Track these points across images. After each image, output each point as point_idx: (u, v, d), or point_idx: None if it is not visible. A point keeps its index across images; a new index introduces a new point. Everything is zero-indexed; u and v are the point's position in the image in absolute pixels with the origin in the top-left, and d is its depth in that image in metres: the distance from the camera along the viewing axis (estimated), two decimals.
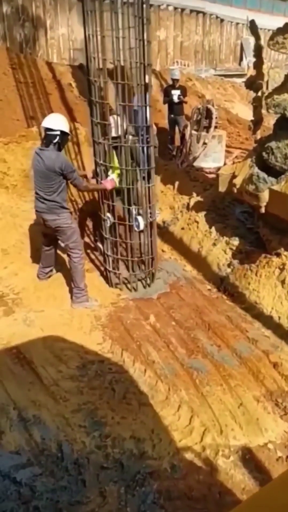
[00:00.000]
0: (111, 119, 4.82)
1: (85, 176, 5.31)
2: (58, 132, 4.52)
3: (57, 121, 4.58)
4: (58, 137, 4.52)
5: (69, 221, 4.75)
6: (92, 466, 3.01)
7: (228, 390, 3.81)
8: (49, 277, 5.23)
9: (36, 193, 4.69)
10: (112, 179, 4.92)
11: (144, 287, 5.33)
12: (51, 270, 5.24)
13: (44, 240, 5.07)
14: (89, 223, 6.78)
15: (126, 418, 3.43)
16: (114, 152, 4.99)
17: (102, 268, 5.59)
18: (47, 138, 4.57)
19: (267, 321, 4.78)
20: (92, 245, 6.25)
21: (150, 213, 5.19)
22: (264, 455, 3.27)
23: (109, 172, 4.99)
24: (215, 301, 5.18)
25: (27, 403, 3.45)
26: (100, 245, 5.97)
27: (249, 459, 3.23)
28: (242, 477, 3.08)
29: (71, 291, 4.93)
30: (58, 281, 5.20)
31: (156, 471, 3.03)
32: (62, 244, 4.89)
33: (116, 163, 5.03)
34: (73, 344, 4.14)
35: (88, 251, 6.14)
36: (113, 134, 4.85)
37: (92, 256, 6.01)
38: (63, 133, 4.57)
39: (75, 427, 3.31)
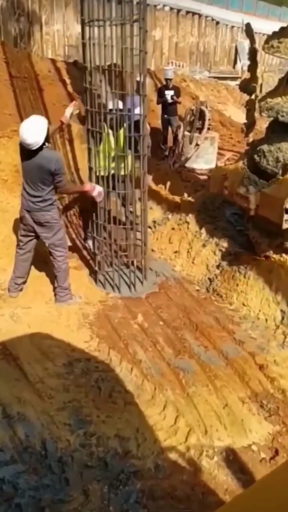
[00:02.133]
0: (109, 93, 4.80)
1: (61, 123, 5.25)
2: (39, 145, 4.34)
3: (33, 136, 4.28)
4: (41, 148, 4.36)
5: (57, 217, 4.69)
6: (75, 465, 3.00)
7: (213, 391, 3.82)
8: (20, 290, 4.88)
9: (25, 189, 4.59)
10: (94, 187, 4.89)
11: (130, 286, 5.30)
12: (24, 282, 4.91)
13: (21, 242, 4.81)
14: (78, 221, 6.77)
15: (111, 416, 3.43)
16: (110, 132, 4.92)
17: (91, 266, 5.56)
18: (32, 151, 4.38)
19: (254, 323, 4.81)
20: (81, 243, 6.22)
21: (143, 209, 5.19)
22: (247, 457, 3.28)
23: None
24: (203, 301, 5.19)
25: (12, 400, 3.43)
26: (89, 243, 5.96)
27: (233, 460, 3.24)
28: (225, 478, 3.09)
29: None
30: (46, 278, 5.17)
31: (140, 470, 3.02)
32: (47, 243, 4.75)
33: (111, 144, 4.98)
34: (60, 342, 4.12)
35: (77, 248, 6.12)
36: (110, 106, 4.82)
37: (81, 254, 5.98)
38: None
39: (59, 425, 3.29)
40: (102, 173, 5.09)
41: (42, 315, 4.48)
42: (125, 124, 4.83)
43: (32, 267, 5.14)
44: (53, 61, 14.00)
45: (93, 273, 5.46)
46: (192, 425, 3.46)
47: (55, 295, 4.86)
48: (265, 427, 3.57)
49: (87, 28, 4.62)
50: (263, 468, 3.19)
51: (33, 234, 4.73)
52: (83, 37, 4.70)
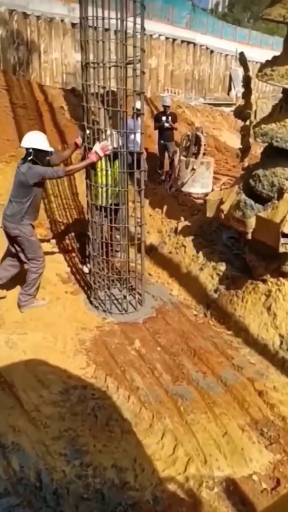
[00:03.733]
0: (109, 131, 4.90)
1: (75, 144, 5.33)
2: (31, 150, 4.73)
3: (29, 140, 4.80)
4: (31, 155, 4.73)
5: (30, 233, 4.89)
6: (71, 497, 2.91)
7: (212, 418, 3.74)
8: None
9: (9, 200, 4.91)
10: (95, 152, 4.89)
11: (127, 311, 5.26)
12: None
13: (10, 252, 5.10)
14: (75, 245, 6.77)
15: (108, 446, 3.34)
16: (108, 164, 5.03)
17: (88, 291, 5.53)
18: (25, 155, 4.81)
19: (253, 348, 4.75)
20: (78, 267, 6.20)
21: (139, 234, 5.20)
22: (248, 487, 3.19)
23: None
24: (201, 326, 5.15)
25: (6, 429, 3.35)
26: (86, 267, 5.94)
27: (233, 491, 3.15)
28: (226, 509, 3.00)
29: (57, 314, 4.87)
30: (45, 305, 5.13)
31: (138, 502, 2.94)
32: (21, 256, 4.97)
33: (109, 179, 5.07)
34: (56, 368, 4.05)
35: (74, 273, 6.09)
36: (114, 144, 4.90)
37: (78, 278, 5.95)
38: (37, 150, 4.75)
39: (55, 455, 3.21)
40: (100, 203, 5.15)
41: (38, 341, 4.42)
42: (117, 162, 4.95)
43: None
44: (51, 88, 14.23)
45: (89, 298, 5.42)
46: (191, 454, 3.38)
47: (19, 301, 5.03)
48: (265, 456, 3.49)
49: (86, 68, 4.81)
50: (264, 499, 3.11)
51: (13, 244, 4.99)
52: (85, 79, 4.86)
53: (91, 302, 5.36)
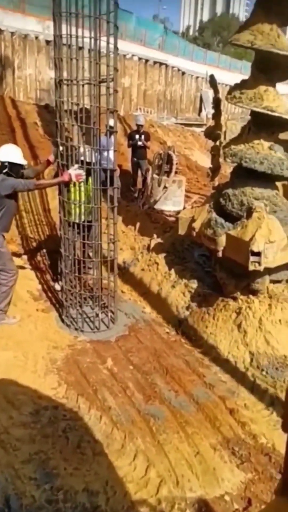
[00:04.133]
0: (82, 148, 4.94)
1: (48, 162, 5.35)
2: (6, 163, 4.79)
3: (4, 153, 4.87)
4: (6, 168, 4.79)
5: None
6: None
7: (185, 438, 3.72)
8: None
9: None
10: (69, 173, 4.89)
11: (99, 329, 5.21)
12: None
13: None
14: (46, 262, 6.69)
15: (79, 469, 3.27)
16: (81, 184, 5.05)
17: (60, 309, 5.46)
18: (0, 167, 4.84)
19: (224, 366, 4.78)
20: (49, 285, 6.13)
21: (112, 250, 5.19)
22: (220, 508, 3.18)
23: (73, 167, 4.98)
24: (173, 344, 5.14)
25: None
26: (58, 284, 5.88)
27: None
28: None
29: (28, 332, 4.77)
30: (16, 323, 5.03)
31: None
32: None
33: (82, 195, 5.08)
34: (26, 388, 3.96)
35: (45, 290, 6.02)
36: (87, 159, 4.92)
37: (49, 296, 5.88)
38: (12, 163, 4.80)
39: (24, 479, 3.10)
40: (73, 220, 5.15)
41: (8, 360, 4.31)
42: (90, 178, 4.97)
43: None
44: (25, 104, 14.20)
45: (61, 316, 5.35)
46: (163, 476, 3.34)
47: None
48: (237, 475, 3.48)
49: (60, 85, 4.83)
50: None
51: None
52: (58, 96, 4.88)
53: (62, 320, 5.29)
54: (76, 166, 4.91)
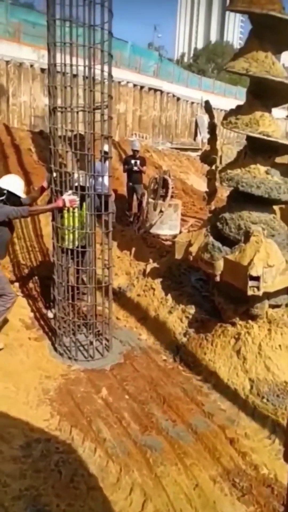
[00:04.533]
0: (76, 174, 4.93)
1: (42, 188, 5.36)
2: (5, 191, 4.86)
3: (7, 182, 4.98)
4: (4, 196, 4.85)
5: None
6: None
7: (183, 470, 3.59)
8: None
9: None
10: (63, 199, 4.85)
11: (93, 357, 5.10)
12: None
13: None
14: (39, 289, 6.60)
15: (72, 505, 3.12)
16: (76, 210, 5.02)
17: (52, 337, 5.35)
18: None
19: (223, 393, 4.66)
20: (41, 312, 6.02)
21: (106, 276, 5.12)
22: None
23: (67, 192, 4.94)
24: (171, 372, 5.02)
25: None
26: (51, 312, 5.77)
27: None
28: None
29: (19, 362, 4.66)
30: (7, 352, 4.91)
31: None
32: None
33: (76, 221, 5.05)
34: (17, 421, 3.82)
35: (37, 318, 5.92)
36: (82, 184, 4.92)
37: (41, 324, 5.77)
38: (10, 192, 4.87)
39: None
40: (67, 246, 5.10)
41: None
42: (84, 204, 4.98)
43: None
44: (19, 131, 14.33)
45: (54, 345, 5.23)
46: (161, 510, 3.21)
47: None
48: (238, 508, 3.34)
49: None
50: None
51: None
52: (52, 123, 4.90)
53: (55, 349, 5.17)
54: (70, 192, 4.89)
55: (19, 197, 4.97)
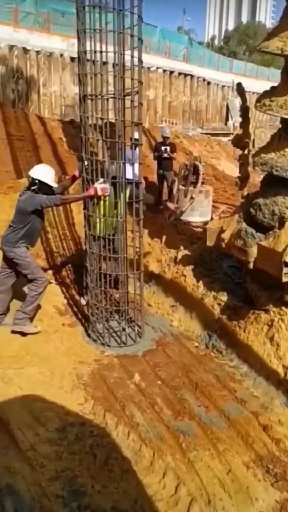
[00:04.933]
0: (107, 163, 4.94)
1: (73, 177, 5.45)
2: (37, 181, 4.93)
3: (38, 171, 5.03)
4: (36, 185, 4.94)
5: (24, 254, 5.01)
6: None
7: (216, 455, 3.60)
8: None
9: (9, 225, 5.10)
10: (95, 187, 4.88)
11: (126, 343, 5.14)
12: (0, 314, 5.22)
13: (2, 268, 5.23)
14: (73, 276, 6.69)
15: (107, 486, 3.19)
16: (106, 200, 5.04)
17: (86, 323, 5.43)
18: (30, 184, 5.05)
19: (256, 380, 4.63)
20: (75, 299, 6.11)
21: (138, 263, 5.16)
22: None
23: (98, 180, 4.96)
24: (203, 358, 5.02)
25: (0, 470, 3.19)
26: (84, 299, 5.85)
27: None
28: None
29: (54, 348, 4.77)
30: (42, 338, 5.03)
31: None
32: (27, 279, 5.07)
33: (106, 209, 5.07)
34: (53, 405, 3.91)
35: (71, 305, 6.01)
36: (114, 173, 4.92)
37: (75, 310, 5.86)
38: (41, 182, 4.94)
39: (52, 497, 3.04)
40: (98, 234, 5.14)
41: (34, 377, 4.29)
42: (128, 191, 5.01)
43: None
44: (50, 120, 14.44)
45: (87, 331, 5.31)
46: (194, 494, 3.22)
47: (15, 316, 5.06)
48: (272, 494, 3.33)
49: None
50: None
51: (8, 270, 5.11)
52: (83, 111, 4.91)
53: (89, 335, 5.25)
54: (101, 180, 4.90)
55: (50, 186, 5.02)
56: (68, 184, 5.57)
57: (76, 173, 5.35)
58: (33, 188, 4.93)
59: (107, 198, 5.01)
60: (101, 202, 5.06)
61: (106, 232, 5.11)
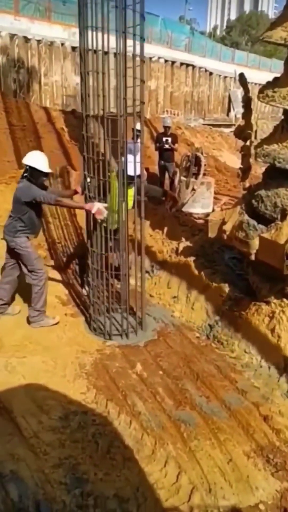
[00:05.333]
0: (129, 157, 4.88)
1: (75, 192, 5.48)
2: (27, 167, 4.92)
3: (29, 157, 4.99)
4: (27, 171, 4.91)
5: (24, 244, 5.00)
6: None
7: (217, 445, 3.64)
8: (1, 312, 5.26)
9: (9, 215, 5.11)
10: (93, 205, 4.84)
11: (127, 334, 5.16)
12: (3, 304, 5.25)
13: (4, 268, 5.28)
14: (75, 266, 6.71)
15: (109, 474, 3.23)
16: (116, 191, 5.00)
17: (88, 314, 5.45)
18: (24, 171, 5.01)
19: (257, 371, 4.66)
20: (78, 289, 6.14)
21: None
22: None
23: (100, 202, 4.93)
24: (204, 349, 5.06)
25: (4, 457, 3.24)
26: (85, 290, 5.87)
27: None
28: None
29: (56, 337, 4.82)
30: (45, 328, 5.07)
31: None
32: (25, 270, 5.07)
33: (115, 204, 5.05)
34: (55, 393, 3.96)
35: (73, 295, 6.03)
36: (130, 172, 4.89)
37: (77, 301, 5.89)
38: (33, 168, 4.89)
39: (55, 484, 3.09)
40: (110, 227, 5.09)
41: (37, 365, 4.33)
42: (133, 188, 5.00)
43: (25, 315, 5.16)
44: (52, 110, 14.37)
45: (89, 321, 5.34)
46: (195, 483, 3.27)
47: (29, 315, 5.13)
48: (272, 484, 3.37)
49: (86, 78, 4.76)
50: None
51: (12, 260, 5.15)
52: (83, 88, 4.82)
53: (90, 325, 5.27)
54: (105, 204, 4.89)
55: (42, 172, 4.95)
56: (67, 194, 5.59)
57: (78, 189, 5.37)
58: (25, 174, 4.92)
59: (100, 217, 4.93)
60: (114, 197, 5.03)
61: (114, 226, 5.08)
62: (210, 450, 3.57)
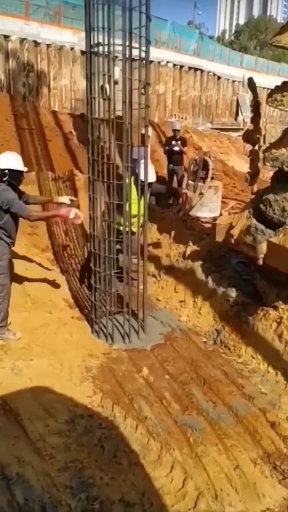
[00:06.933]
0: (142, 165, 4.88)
1: (54, 203, 5.41)
2: (6, 171, 4.59)
3: (4, 160, 4.66)
4: (7, 175, 4.60)
5: (4, 256, 4.67)
6: None
7: (223, 451, 3.61)
8: None
9: None
10: (70, 210, 4.78)
11: (133, 337, 5.15)
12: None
13: None
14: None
15: (115, 479, 3.21)
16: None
17: (94, 317, 5.44)
18: (1, 176, 4.65)
19: (264, 377, 4.63)
20: (86, 292, 6.13)
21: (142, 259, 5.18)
22: None
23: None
24: (211, 354, 5.04)
25: (10, 460, 3.23)
26: (90, 293, 5.86)
27: None
28: None
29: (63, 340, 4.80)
30: (51, 331, 5.04)
31: None
32: None
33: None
34: (62, 396, 3.95)
35: (79, 299, 6.04)
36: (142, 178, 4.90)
37: (83, 304, 5.89)
38: (12, 170, 4.61)
39: (60, 488, 3.08)
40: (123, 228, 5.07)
41: (43, 368, 4.32)
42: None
43: (32, 318, 5.13)
44: (60, 114, 14.44)
45: (95, 325, 5.33)
46: (201, 489, 3.24)
47: None
48: (279, 491, 3.34)
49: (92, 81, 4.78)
50: None
51: None
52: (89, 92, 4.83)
53: (97, 329, 5.26)
54: (78, 212, 4.86)
55: (21, 171, 4.74)
56: (44, 200, 5.57)
57: (56, 200, 5.34)
58: (4, 179, 4.60)
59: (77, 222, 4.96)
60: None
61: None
62: (217, 456, 3.54)
